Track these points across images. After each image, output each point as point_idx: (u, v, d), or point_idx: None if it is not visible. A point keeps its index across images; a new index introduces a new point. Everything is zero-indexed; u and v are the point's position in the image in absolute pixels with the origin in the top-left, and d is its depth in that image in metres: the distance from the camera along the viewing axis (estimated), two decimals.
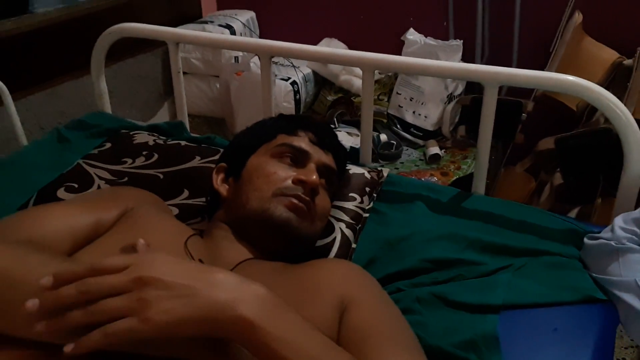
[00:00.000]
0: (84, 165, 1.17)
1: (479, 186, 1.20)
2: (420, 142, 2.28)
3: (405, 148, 2.25)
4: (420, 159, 2.18)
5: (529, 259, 0.98)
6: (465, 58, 2.28)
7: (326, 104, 2.47)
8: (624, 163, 1.04)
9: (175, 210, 1.06)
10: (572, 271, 0.97)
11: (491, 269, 0.96)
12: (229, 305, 0.56)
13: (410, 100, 2.29)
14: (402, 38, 2.35)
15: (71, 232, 0.78)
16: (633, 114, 1.59)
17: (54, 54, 1.99)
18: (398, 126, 2.33)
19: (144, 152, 1.21)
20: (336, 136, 1.04)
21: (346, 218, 1.05)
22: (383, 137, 2.22)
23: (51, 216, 0.80)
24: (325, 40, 2.53)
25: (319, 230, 0.95)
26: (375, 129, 2.25)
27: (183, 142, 1.27)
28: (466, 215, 1.11)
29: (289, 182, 0.89)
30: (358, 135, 1.38)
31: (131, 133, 1.30)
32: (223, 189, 0.95)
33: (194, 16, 2.65)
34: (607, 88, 1.06)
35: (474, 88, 2.23)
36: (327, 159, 0.97)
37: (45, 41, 1.95)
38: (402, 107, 2.32)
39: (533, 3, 2.16)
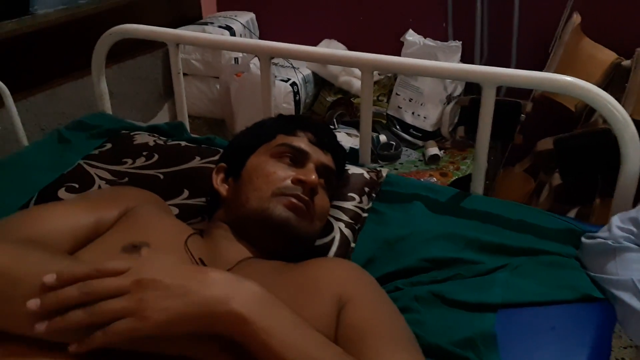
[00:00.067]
0: (85, 166, 1.18)
1: (478, 186, 1.21)
2: (420, 142, 2.29)
3: (404, 149, 2.26)
4: (420, 160, 2.19)
5: (526, 258, 0.99)
6: (465, 59, 2.28)
7: (326, 104, 2.48)
8: (621, 163, 1.05)
9: (176, 210, 1.07)
10: (570, 270, 0.97)
11: (489, 268, 0.97)
12: (222, 301, 0.58)
13: (410, 101, 2.30)
14: (401, 39, 2.36)
15: (72, 231, 0.79)
16: (631, 115, 1.60)
17: (54, 55, 2.00)
18: (397, 127, 2.34)
19: (145, 153, 1.21)
20: (335, 136, 1.05)
21: (345, 218, 1.06)
22: (382, 137, 2.23)
23: (52, 215, 0.81)
24: (325, 42, 2.54)
25: (318, 230, 0.95)
26: (374, 130, 2.26)
27: (183, 143, 1.28)
28: (464, 215, 1.11)
29: (289, 181, 0.89)
30: (357, 136, 1.39)
31: (131, 134, 1.31)
32: (223, 188, 0.96)
33: (194, 17, 2.65)
34: (605, 89, 1.07)
35: (473, 89, 2.24)
36: (326, 159, 0.97)
37: (46, 42, 1.96)
38: (401, 108, 2.33)
39: (532, 4, 2.16)
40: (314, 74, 2.50)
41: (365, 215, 1.11)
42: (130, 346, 0.58)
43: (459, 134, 2.05)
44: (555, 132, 1.78)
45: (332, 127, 2.24)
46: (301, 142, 0.96)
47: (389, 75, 2.43)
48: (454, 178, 2.03)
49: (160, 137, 1.30)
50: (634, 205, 1.03)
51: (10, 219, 0.81)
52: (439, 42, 2.32)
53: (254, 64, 2.31)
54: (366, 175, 1.16)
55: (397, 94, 2.34)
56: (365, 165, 1.28)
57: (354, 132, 2.17)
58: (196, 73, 2.52)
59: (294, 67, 2.45)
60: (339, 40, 2.54)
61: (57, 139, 1.38)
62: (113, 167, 1.17)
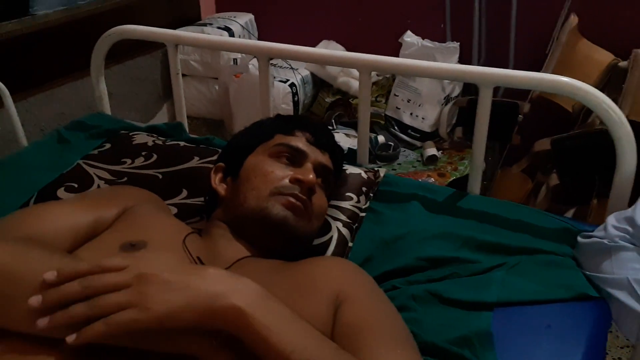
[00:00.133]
0: (84, 166, 1.18)
1: (474, 186, 1.21)
2: (418, 143, 2.30)
3: (402, 149, 2.26)
4: (418, 160, 2.20)
5: (523, 258, 0.99)
6: (463, 60, 2.29)
7: (324, 105, 2.48)
8: (617, 163, 1.05)
9: (174, 210, 1.08)
10: (566, 269, 0.98)
11: (485, 267, 0.97)
12: (222, 295, 0.59)
13: (408, 102, 2.31)
14: (399, 40, 2.36)
15: (71, 230, 0.80)
16: (628, 116, 1.61)
17: (54, 55, 2.00)
18: (395, 128, 2.34)
19: (143, 153, 1.22)
20: (333, 136, 1.06)
21: (343, 217, 1.06)
22: (381, 138, 2.24)
23: (51, 214, 0.82)
24: (324, 43, 2.55)
25: (316, 229, 0.96)
26: (373, 131, 2.27)
27: (182, 143, 1.28)
28: (461, 215, 1.12)
29: (286, 181, 0.90)
30: (356, 137, 1.40)
31: (130, 134, 1.31)
32: (221, 188, 0.96)
33: (193, 18, 2.66)
34: (602, 90, 1.07)
35: (471, 90, 2.25)
36: (323, 158, 0.98)
37: (46, 43, 1.96)
38: (399, 108, 2.34)
39: (529, 5, 2.17)
40: (313, 75, 2.51)
41: (362, 214, 1.11)
42: (129, 342, 0.59)
43: (457, 134, 2.06)
44: (552, 133, 1.79)
45: (330, 127, 2.25)
46: (299, 141, 0.96)
47: (387, 76, 2.44)
48: (452, 178, 2.04)
49: (159, 137, 1.30)
50: (630, 205, 1.04)
51: (9, 218, 0.81)
52: (437, 43, 2.33)
53: (253, 64, 2.32)
54: (364, 175, 1.17)
55: (395, 94, 2.35)
56: (363, 165, 1.28)
57: (353, 132, 2.18)
58: (195, 74, 2.53)
59: (292, 68, 2.46)
60: (337, 41, 2.55)
61: (57, 139, 1.38)
62: (112, 167, 1.18)
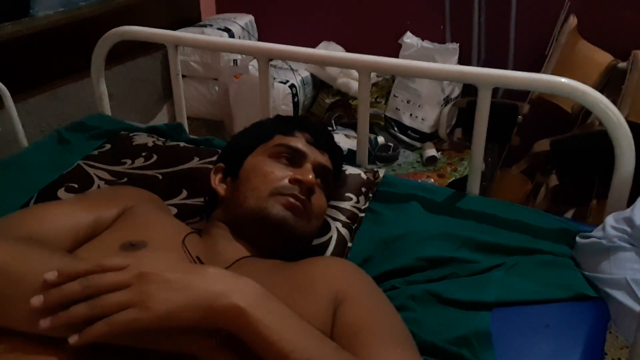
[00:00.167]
0: (84, 166, 1.19)
1: (473, 187, 1.22)
2: (417, 144, 2.30)
3: (402, 150, 2.27)
4: (417, 161, 2.20)
5: (521, 258, 1.00)
6: (462, 61, 2.29)
7: (324, 106, 2.49)
8: (615, 163, 1.06)
9: (174, 210, 1.08)
10: (564, 269, 0.98)
11: (484, 267, 0.98)
12: (223, 294, 0.59)
13: (408, 102, 2.31)
14: (399, 41, 2.37)
15: (71, 230, 0.80)
16: (627, 117, 1.62)
17: (54, 56, 2.01)
18: (395, 128, 2.35)
19: (143, 153, 1.22)
20: (332, 137, 1.06)
21: (342, 217, 1.07)
22: (380, 139, 2.24)
23: (51, 214, 0.82)
24: (324, 44, 2.55)
25: (315, 229, 0.96)
26: (372, 132, 2.27)
27: (182, 144, 1.29)
28: (460, 215, 1.12)
29: (286, 181, 0.90)
30: (355, 138, 1.40)
31: (130, 134, 1.31)
32: (221, 188, 0.97)
33: (193, 20, 2.66)
34: (601, 91, 1.08)
35: (471, 91, 2.25)
36: (323, 159, 0.98)
37: (46, 44, 1.97)
38: (399, 109, 2.34)
39: (528, 6, 2.18)
40: (313, 76, 2.52)
41: (362, 215, 1.12)
42: (129, 341, 0.59)
43: (457, 135, 2.06)
44: (552, 134, 1.79)
45: (330, 128, 2.25)
46: (298, 142, 0.97)
47: (387, 77, 2.44)
48: (452, 179, 2.04)
49: (159, 138, 1.31)
50: (629, 206, 1.04)
51: (10, 218, 0.82)
52: (436, 44, 2.33)
53: (253, 65, 2.32)
54: (363, 175, 1.17)
55: (395, 95, 2.35)
56: (363, 166, 1.29)
57: (352, 133, 2.18)
58: (195, 75, 2.53)
59: (292, 69, 2.46)
60: (337, 43, 2.55)
61: (57, 140, 1.39)
62: (112, 168, 1.18)
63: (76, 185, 1.12)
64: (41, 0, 1.99)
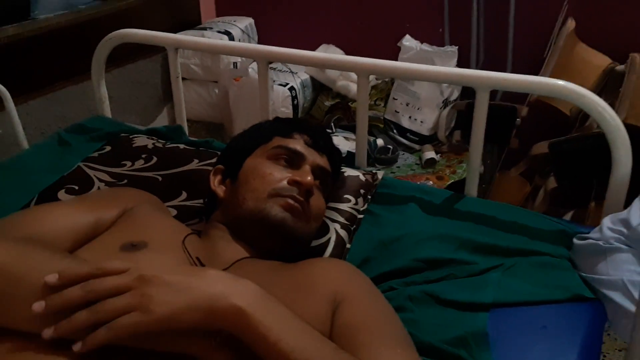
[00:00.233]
0: (84, 168, 1.19)
1: (472, 189, 1.22)
2: (416, 146, 2.31)
3: (401, 153, 2.27)
4: (416, 163, 2.21)
5: (519, 259, 1.00)
6: (461, 64, 2.30)
7: (324, 109, 2.50)
8: (612, 165, 1.06)
9: (174, 212, 1.08)
10: (561, 271, 0.99)
11: (482, 268, 0.98)
12: (222, 295, 0.60)
13: (407, 105, 2.32)
14: (398, 44, 2.38)
15: (72, 231, 0.81)
16: (625, 119, 1.62)
17: (55, 59, 2.01)
18: (394, 131, 2.36)
19: (143, 155, 1.23)
20: (331, 138, 1.06)
21: (341, 219, 1.07)
22: (380, 141, 2.25)
23: (52, 215, 0.83)
24: (323, 47, 2.56)
25: (314, 230, 0.97)
26: (372, 134, 2.28)
27: (182, 146, 1.29)
28: (458, 217, 1.13)
29: (285, 183, 0.91)
30: (355, 140, 1.41)
31: (131, 136, 1.32)
32: (220, 190, 0.97)
33: (193, 22, 2.67)
34: (599, 93, 1.08)
35: (470, 94, 2.26)
36: (321, 160, 0.99)
37: (47, 47, 1.98)
38: (398, 112, 2.35)
39: (527, 10, 2.19)
40: (312, 78, 2.53)
41: (360, 216, 1.12)
42: (131, 343, 0.59)
43: (456, 138, 2.07)
44: (550, 136, 1.79)
45: (329, 131, 2.26)
46: (297, 144, 0.97)
47: (387, 80, 2.45)
48: (450, 181, 2.05)
49: (159, 140, 1.31)
50: (625, 207, 1.05)
51: (10, 218, 0.82)
52: (435, 47, 2.34)
53: (253, 68, 2.33)
54: (362, 177, 1.18)
55: (394, 98, 2.36)
56: (361, 167, 1.29)
57: (352, 136, 2.19)
58: (195, 77, 2.54)
59: (292, 72, 2.47)
60: (336, 45, 2.56)
61: (57, 142, 1.39)
62: (112, 170, 1.19)
63: (76, 187, 1.13)
64: (42, 3, 2.01)
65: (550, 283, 0.95)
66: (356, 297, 0.79)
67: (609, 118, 1.03)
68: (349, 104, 2.42)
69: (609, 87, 1.89)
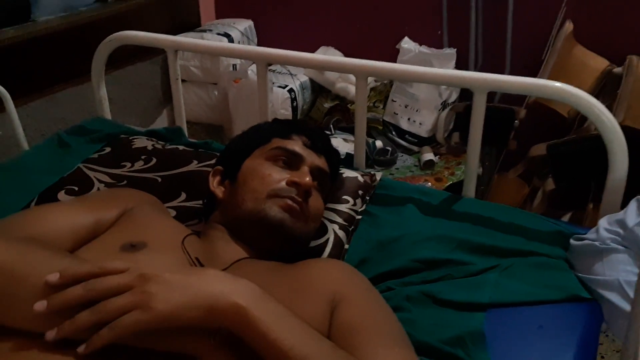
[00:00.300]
0: (84, 169, 1.20)
1: (469, 190, 1.23)
2: (415, 148, 2.32)
3: (400, 154, 2.28)
4: (415, 165, 2.21)
5: (516, 260, 1.01)
6: (459, 66, 2.31)
7: (323, 111, 2.50)
8: (609, 167, 1.07)
9: (173, 213, 1.09)
10: (558, 271, 0.99)
11: (479, 268, 0.99)
12: (223, 294, 0.61)
13: (405, 107, 2.33)
14: (397, 46, 2.39)
15: (72, 231, 0.81)
16: (623, 121, 1.63)
17: (55, 61, 2.02)
18: (393, 133, 2.36)
19: (143, 157, 1.23)
20: (329, 140, 1.07)
21: (339, 220, 1.08)
22: (378, 143, 2.26)
23: (53, 215, 0.83)
24: (322, 49, 2.56)
25: (313, 231, 0.98)
26: (370, 136, 2.29)
27: (181, 147, 1.30)
28: (456, 218, 1.14)
29: (283, 183, 0.92)
30: (354, 142, 1.41)
31: (130, 138, 1.33)
32: (219, 191, 0.98)
33: (193, 25, 2.68)
34: (597, 96, 1.09)
35: (468, 96, 2.26)
36: (320, 161, 0.99)
37: (47, 49, 1.98)
38: (397, 114, 2.36)
39: (525, 12, 2.19)
40: (311, 80, 2.53)
41: (359, 217, 1.13)
42: (133, 342, 0.60)
43: (454, 139, 2.07)
44: (548, 138, 1.80)
45: (329, 132, 2.26)
46: (296, 145, 0.98)
47: (385, 82, 2.46)
48: (449, 183, 2.05)
49: (159, 142, 1.32)
50: (622, 208, 1.05)
51: (11, 219, 0.83)
52: (434, 49, 2.35)
53: (252, 70, 2.33)
54: (360, 178, 1.19)
55: (393, 100, 2.37)
56: (360, 169, 1.30)
57: (351, 137, 2.19)
58: (194, 79, 2.55)
59: (291, 74, 2.48)
60: (336, 48, 2.56)
61: (57, 143, 1.40)
62: (112, 171, 1.19)
63: (76, 188, 1.13)
64: (42, 6, 2.01)
65: (547, 283, 0.96)
66: (354, 297, 0.80)
67: (606, 120, 1.04)
68: (348, 105, 2.43)
69: (606, 89, 1.90)
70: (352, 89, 2.37)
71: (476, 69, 2.33)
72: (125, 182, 1.16)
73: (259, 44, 2.73)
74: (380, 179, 1.24)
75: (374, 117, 2.37)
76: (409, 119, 2.33)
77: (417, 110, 2.30)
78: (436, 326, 0.87)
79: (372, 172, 1.25)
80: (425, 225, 1.10)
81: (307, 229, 0.94)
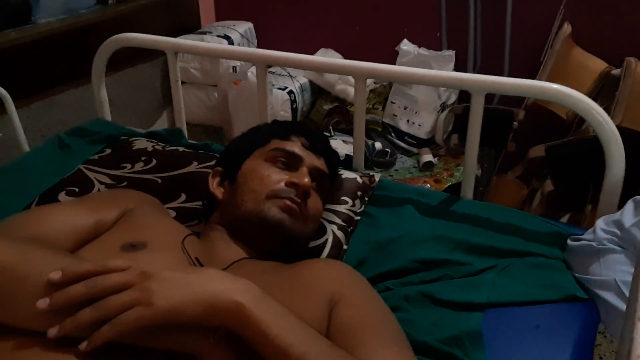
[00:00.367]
0: (85, 170, 1.20)
1: (467, 191, 1.24)
2: (414, 150, 2.32)
3: (399, 156, 2.29)
4: (414, 167, 2.22)
5: (513, 260, 1.02)
6: (458, 68, 2.32)
7: (322, 112, 2.51)
8: (606, 168, 1.08)
9: (173, 213, 1.10)
10: (555, 271, 1.00)
11: (477, 269, 0.99)
12: (224, 292, 0.62)
13: (405, 109, 2.34)
14: (396, 48, 2.39)
15: (73, 231, 0.82)
16: (621, 123, 1.63)
17: (55, 63, 2.02)
18: (392, 134, 2.37)
19: (143, 158, 1.24)
20: (328, 141, 1.08)
21: (338, 220, 1.09)
22: (378, 145, 2.26)
23: (53, 215, 0.84)
24: (322, 51, 2.57)
25: (312, 231, 0.98)
26: (370, 137, 2.30)
27: (181, 148, 1.30)
28: (454, 218, 1.14)
29: (282, 184, 0.92)
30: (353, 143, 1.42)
31: (130, 139, 1.33)
32: (219, 192, 0.99)
33: (193, 27, 2.68)
34: (595, 97, 1.10)
35: (467, 97, 2.27)
36: (319, 162, 1.00)
37: (47, 51, 1.99)
38: (396, 115, 2.36)
39: (524, 14, 2.20)
40: (311, 82, 2.54)
41: (357, 218, 1.13)
42: (133, 340, 0.60)
43: (453, 141, 2.08)
44: (547, 140, 1.81)
45: (328, 134, 2.27)
46: (295, 146, 0.99)
47: (385, 84, 2.47)
48: (448, 184, 2.06)
49: (159, 143, 1.33)
50: (619, 209, 1.06)
51: (12, 219, 0.84)
52: (433, 51, 2.36)
53: (252, 72, 2.34)
54: (359, 179, 1.19)
55: (392, 102, 2.38)
56: (359, 170, 1.30)
57: (350, 139, 2.20)
58: (195, 81, 2.55)
59: (291, 76, 2.49)
60: (335, 50, 2.57)
61: (58, 145, 1.40)
62: (112, 172, 1.20)
63: (77, 189, 1.14)
64: (43, 8, 2.02)
65: (544, 283, 0.97)
66: (353, 297, 0.80)
67: (602, 122, 1.05)
68: (348, 107, 2.44)
69: (605, 91, 1.91)
70: (351, 90, 2.38)
71: (475, 71, 2.34)
72: (125, 183, 1.17)
73: (258, 46, 2.74)
74: (379, 180, 1.25)
75: (373, 118, 2.37)
76: (408, 120, 2.34)
77: (416, 112, 2.31)
78: (434, 326, 0.87)
79: (371, 174, 1.25)
80: (423, 226, 1.11)
81: (306, 230, 0.95)
